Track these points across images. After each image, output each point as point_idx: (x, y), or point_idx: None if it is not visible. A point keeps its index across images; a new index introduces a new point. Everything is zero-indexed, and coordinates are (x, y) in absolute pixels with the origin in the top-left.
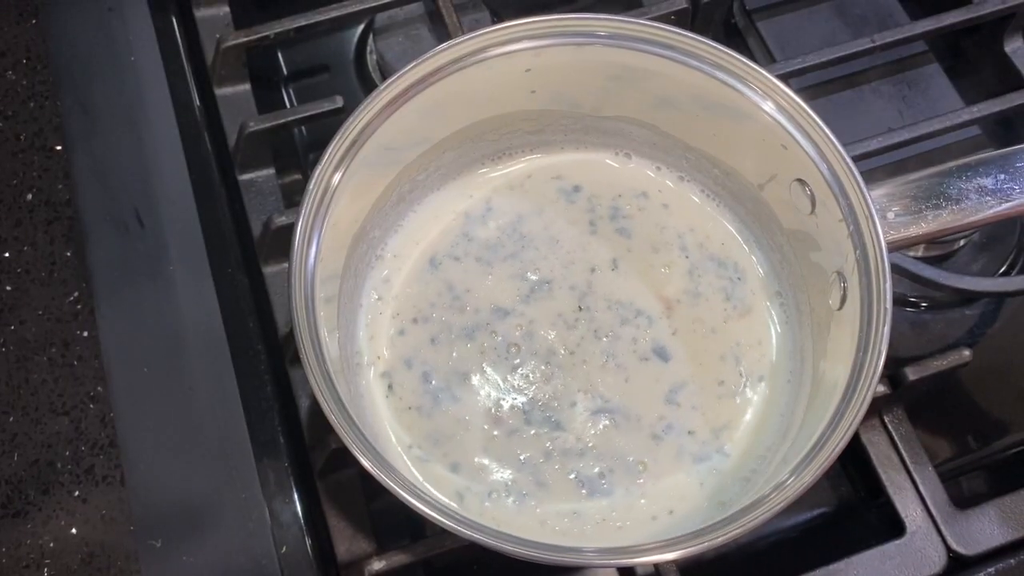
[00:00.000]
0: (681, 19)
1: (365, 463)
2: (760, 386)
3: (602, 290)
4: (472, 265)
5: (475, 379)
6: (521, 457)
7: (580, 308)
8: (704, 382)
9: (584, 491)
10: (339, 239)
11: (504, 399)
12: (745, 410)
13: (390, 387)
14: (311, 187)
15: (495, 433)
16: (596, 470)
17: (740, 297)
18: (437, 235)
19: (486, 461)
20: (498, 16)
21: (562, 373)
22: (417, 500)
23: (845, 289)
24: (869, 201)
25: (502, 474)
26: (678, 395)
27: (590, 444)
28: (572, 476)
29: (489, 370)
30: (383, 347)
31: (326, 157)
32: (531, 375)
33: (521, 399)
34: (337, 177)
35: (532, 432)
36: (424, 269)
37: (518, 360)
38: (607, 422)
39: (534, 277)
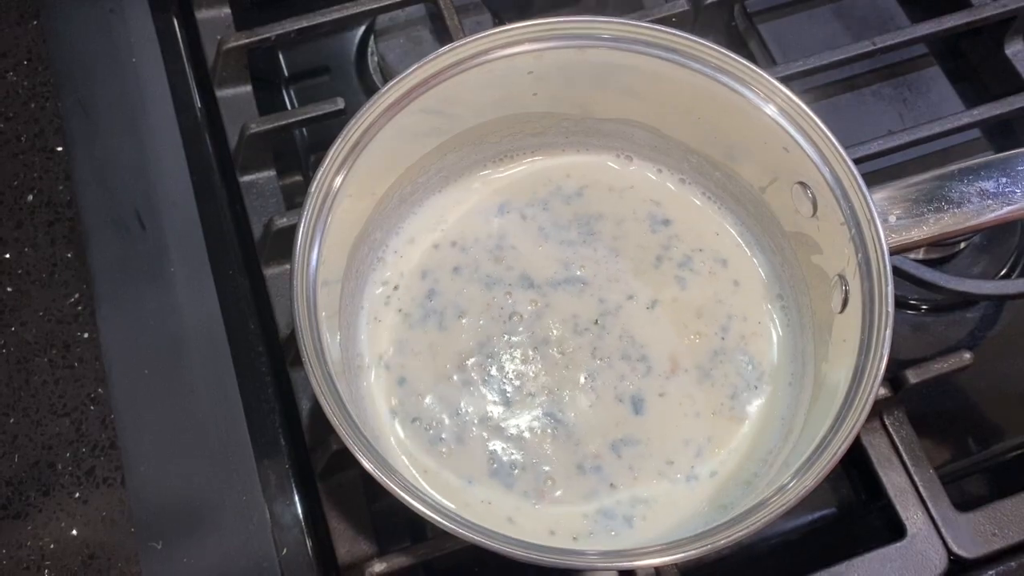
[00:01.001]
0: (682, 21)
1: (366, 464)
2: (701, 484)
3: (625, 319)
4: (533, 230)
5: (466, 321)
6: (460, 408)
7: (596, 322)
8: (656, 453)
9: (493, 466)
10: (341, 241)
11: (479, 353)
12: (674, 499)
13: (395, 287)
14: (313, 189)
15: (453, 377)
16: (511, 458)
17: (743, 403)
18: (521, 187)
19: (430, 392)
20: (500, 19)
21: (542, 365)
22: (418, 502)
23: (847, 292)
24: (871, 204)
25: (435, 411)
26: (625, 448)
27: (523, 435)
28: (490, 449)
29: (483, 323)
30: (416, 252)
31: (328, 159)
32: (515, 349)
33: (492, 363)
34: (339, 179)
35: (482, 393)
36: (492, 209)
37: (516, 329)
38: (549, 429)
39: (576, 272)
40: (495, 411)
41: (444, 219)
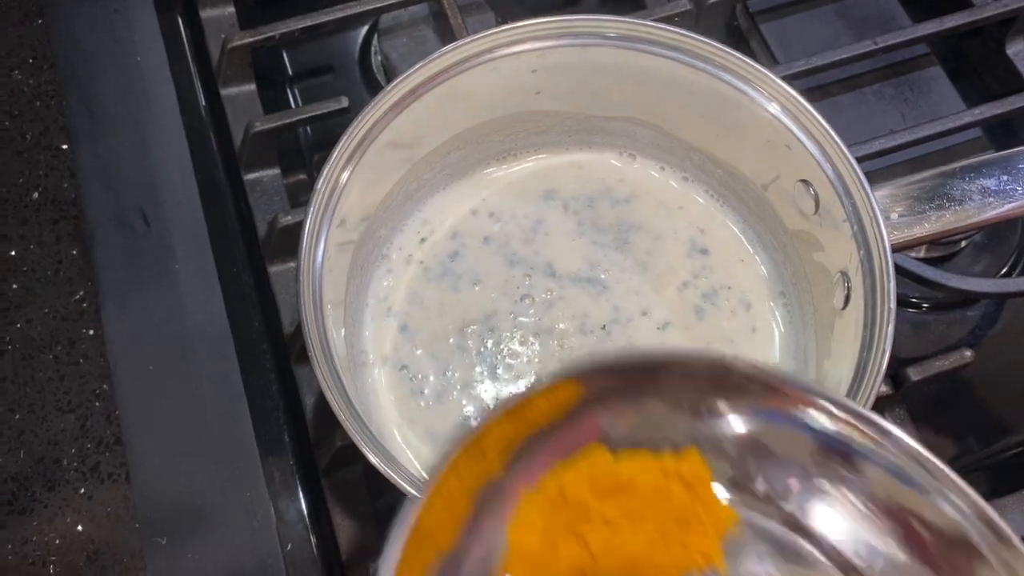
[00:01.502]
0: (684, 21)
1: (372, 459)
2: None
3: (633, 333)
4: (571, 223)
5: (479, 290)
6: (447, 371)
7: (603, 328)
8: None
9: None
10: (346, 237)
11: (482, 324)
12: None
13: (423, 240)
14: (319, 185)
15: (450, 340)
16: None
17: None
18: (573, 180)
19: (422, 347)
20: (502, 17)
21: (538, 352)
22: None
23: (849, 289)
24: (873, 202)
25: (422, 365)
26: None
27: None
28: (464, 415)
29: (495, 296)
30: (451, 216)
31: (334, 156)
32: (517, 330)
33: (491, 337)
34: (345, 176)
35: (473, 363)
36: (537, 195)
37: (526, 311)
38: None
39: (600, 275)
40: (481, 383)
41: (488, 187)
